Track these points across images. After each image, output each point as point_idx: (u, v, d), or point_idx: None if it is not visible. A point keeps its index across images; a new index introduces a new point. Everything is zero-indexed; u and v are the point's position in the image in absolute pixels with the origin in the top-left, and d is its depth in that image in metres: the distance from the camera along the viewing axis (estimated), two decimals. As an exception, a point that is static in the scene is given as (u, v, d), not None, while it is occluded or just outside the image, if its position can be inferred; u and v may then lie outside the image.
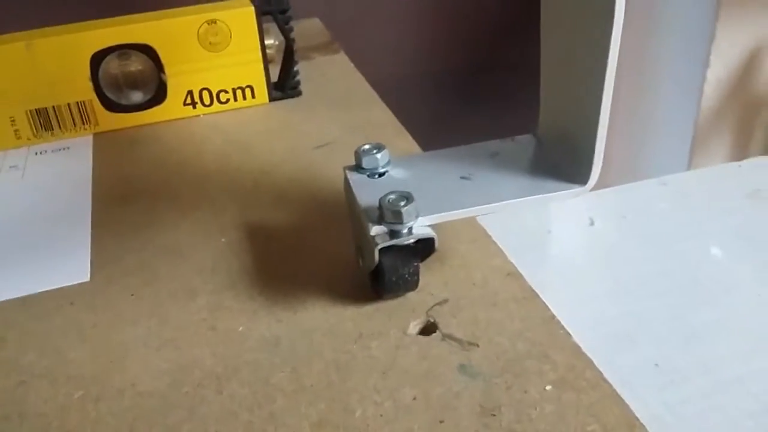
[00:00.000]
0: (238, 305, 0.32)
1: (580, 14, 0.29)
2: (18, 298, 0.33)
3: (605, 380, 0.27)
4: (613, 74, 0.28)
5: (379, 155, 0.33)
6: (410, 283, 0.31)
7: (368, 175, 0.33)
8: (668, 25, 0.75)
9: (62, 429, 0.26)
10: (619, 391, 0.27)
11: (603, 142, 0.30)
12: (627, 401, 0.26)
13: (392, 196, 0.29)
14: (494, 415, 0.25)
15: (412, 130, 0.46)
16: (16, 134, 0.47)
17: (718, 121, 0.80)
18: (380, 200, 0.29)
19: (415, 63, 0.80)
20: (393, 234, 0.29)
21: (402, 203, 0.29)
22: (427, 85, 0.81)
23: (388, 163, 0.33)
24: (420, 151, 0.44)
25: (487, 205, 0.31)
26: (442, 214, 0.30)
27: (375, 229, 0.29)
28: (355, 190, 0.31)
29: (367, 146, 0.33)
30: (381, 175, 0.33)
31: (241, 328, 0.30)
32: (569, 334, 0.29)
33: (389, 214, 0.29)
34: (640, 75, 0.78)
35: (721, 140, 0.81)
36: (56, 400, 0.27)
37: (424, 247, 0.30)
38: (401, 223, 0.28)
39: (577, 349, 0.28)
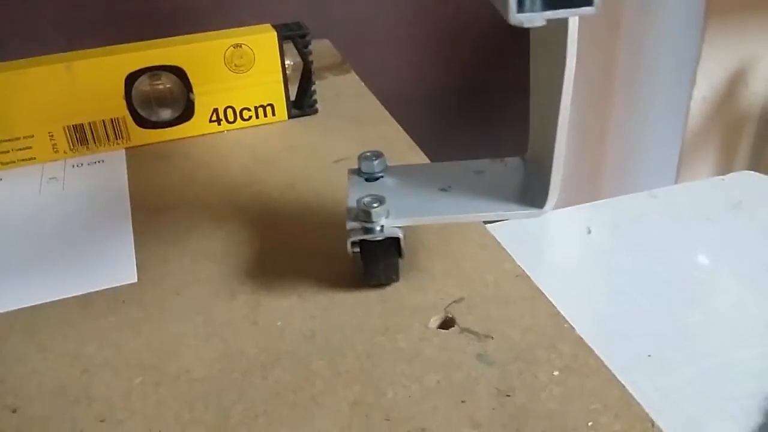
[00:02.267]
0: (275, 303, 0.35)
1: (545, 54, 0.32)
2: (74, 298, 0.36)
3: (605, 367, 0.30)
4: (567, 117, 0.30)
5: (375, 162, 0.37)
6: (388, 274, 0.35)
7: (365, 179, 0.37)
8: (657, 46, 0.80)
9: (127, 410, 0.29)
10: (619, 377, 0.30)
11: (559, 172, 0.32)
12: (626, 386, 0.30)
13: (368, 198, 0.33)
14: (509, 396, 0.29)
15: (415, 139, 0.51)
16: (54, 148, 0.50)
17: (704, 137, 0.84)
18: (357, 200, 0.33)
19: (418, 82, 0.84)
20: (366, 230, 0.33)
21: (375, 205, 0.33)
22: (430, 103, 0.85)
23: (384, 170, 0.37)
24: (428, 162, 0.48)
25: (450, 217, 0.34)
26: (413, 218, 0.34)
27: (350, 224, 0.33)
28: (349, 189, 0.36)
29: (368, 153, 0.38)
30: (376, 179, 0.37)
31: (279, 323, 0.34)
32: (573, 327, 0.32)
33: (362, 213, 0.33)
34: (630, 93, 0.82)
35: (707, 155, 0.86)
36: (119, 386, 0.31)
37: (396, 245, 0.34)
38: (371, 222, 0.33)
39: (580, 341, 0.32)
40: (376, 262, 0.34)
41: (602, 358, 0.31)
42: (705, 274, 0.39)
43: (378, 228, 0.33)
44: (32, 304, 0.36)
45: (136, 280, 0.37)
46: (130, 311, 0.35)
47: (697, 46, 0.77)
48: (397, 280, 0.36)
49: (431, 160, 0.50)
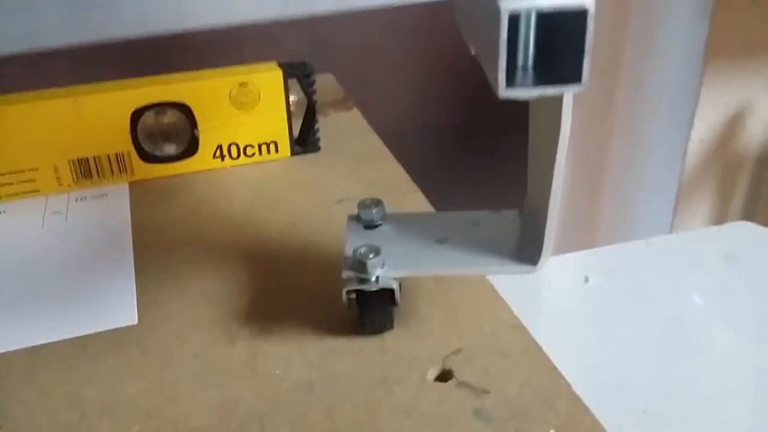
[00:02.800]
0: (274, 350, 0.35)
1: (542, 116, 0.32)
2: (75, 338, 0.36)
3: (601, 427, 0.31)
4: (560, 181, 0.31)
5: (374, 210, 0.38)
6: (382, 322, 0.35)
7: (364, 226, 0.38)
8: (656, 88, 0.81)
9: (125, 459, 0.30)
10: (612, 435, 0.31)
11: (552, 232, 0.32)
12: (619, 445, 0.30)
13: (364, 249, 0.34)
14: (505, 454, 0.29)
15: (415, 177, 0.51)
16: (58, 181, 0.51)
17: (701, 179, 0.85)
18: (354, 250, 0.34)
19: (419, 117, 0.85)
20: (361, 280, 0.33)
21: (370, 256, 0.33)
22: (431, 138, 0.86)
23: (383, 218, 0.38)
24: (428, 205, 0.49)
25: (444, 271, 0.35)
26: (409, 270, 0.34)
27: (346, 274, 0.34)
28: (347, 237, 0.36)
29: (368, 201, 0.38)
30: (375, 227, 0.37)
31: (278, 371, 0.34)
32: (569, 384, 0.33)
33: (357, 263, 0.33)
34: (629, 135, 0.83)
35: (704, 196, 0.87)
36: (117, 433, 0.31)
37: (391, 295, 0.34)
38: (366, 273, 0.33)
39: (576, 398, 0.32)
40: (371, 311, 0.35)
41: (598, 414, 0.32)
42: (699, 327, 0.40)
43: (373, 279, 0.33)
44: (33, 345, 0.36)
45: (136, 321, 0.38)
46: (129, 355, 0.35)
47: (696, 90, 0.78)
48: (391, 327, 0.36)
49: (431, 196, 0.50)
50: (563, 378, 0.33)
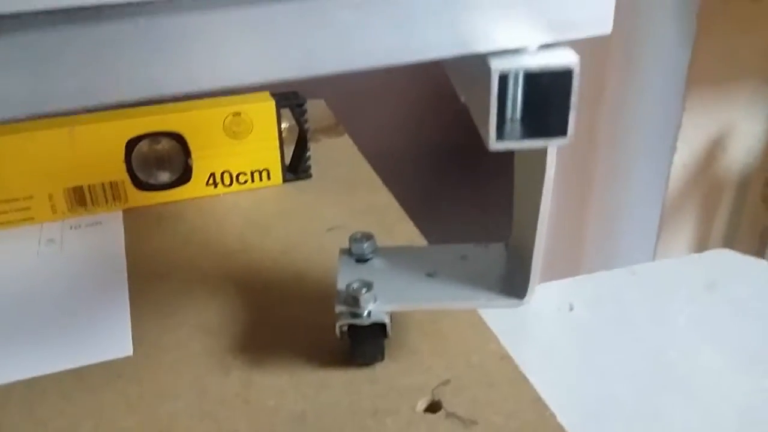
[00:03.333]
0: (267, 381, 0.36)
1: (528, 159, 0.33)
2: (71, 370, 0.37)
3: (585, 457, 0.32)
4: (545, 222, 0.32)
5: (365, 245, 0.39)
6: (374, 355, 0.36)
7: (356, 260, 0.39)
8: (639, 113, 0.83)
9: (122, 492, 0.30)
10: (596, 466, 0.32)
11: (538, 268, 0.34)
12: (603, 475, 0.31)
13: (356, 284, 0.35)
14: (493, 486, 0.30)
15: (403, 201, 0.52)
16: (52, 209, 0.51)
17: (684, 202, 0.87)
18: (346, 285, 0.35)
19: (409, 140, 0.86)
20: (353, 315, 0.34)
21: (363, 291, 0.34)
22: (420, 162, 0.87)
23: (374, 251, 0.39)
24: (417, 234, 0.50)
25: (434, 305, 0.36)
26: (400, 304, 0.36)
27: (339, 308, 0.35)
28: (339, 271, 0.37)
29: (358, 234, 0.39)
30: (365, 261, 0.39)
31: (271, 403, 0.35)
32: (554, 414, 0.34)
33: (350, 299, 0.34)
34: (613, 158, 0.85)
35: (687, 219, 0.88)
36: (114, 466, 0.32)
37: (383, 329, 0.35)
38: (359, 307, 0.34)
39: (561, 429, 0.33)
40: (363, 344, 0.36)
41: (582, 445, 0.33)
42: (683, 355, 0.41)
43: (365, 313, 0.34)
44: (29, 377, 0.37)
45: (131, 353, 0.38)
46: (125, 387, 0.36)
47: (678, 114, 0.80)
48: (382, 359, 0.37)
49: (418, 218, 0.51)
50: (548, 409, 0.34)
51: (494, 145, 0.26)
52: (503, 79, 0.25)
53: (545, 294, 0.46)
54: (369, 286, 0.35)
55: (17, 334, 0.40)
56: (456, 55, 0.26)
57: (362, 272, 0.37)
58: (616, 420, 0.36)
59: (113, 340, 0.39)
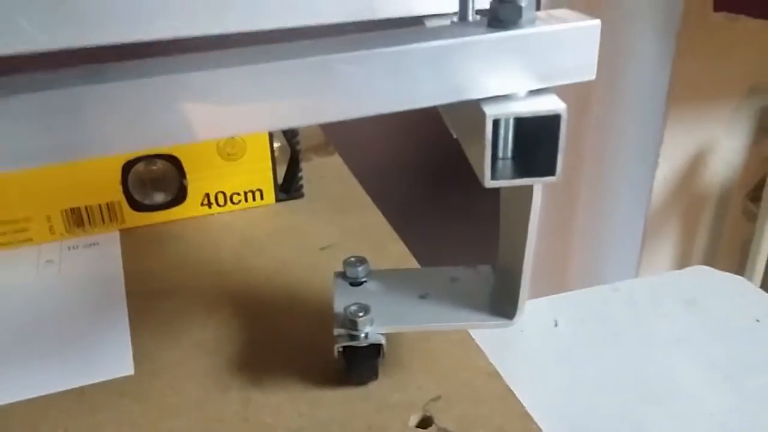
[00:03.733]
0: (265, 399, 0.38)
1: (515, 190, 0.35)
2: (73, 390, 0.38)
3: (569, 469, 0.33)
4: (532, 248, 0.34)
5: (359, 268, 0.40)
6: (369, 374, 0.38)
7: (350, 283, 0.40)
8: (622, 131, 0.85)
9: (126, 508, 0.32)
10: (580, 477, 0.33)
11: (526, 291, 0.36)
12: (586, 487, 0.33)
13: (354, 307, 0.36)
14: (482, 498, 0.32)
15: (392, 219, 0.54)
16: (50, 230, 0.52)
17: (666, 217, 0.89)
18: (344, 308, 0.36)
19: (397, 156, 0.88)
20: (351, 337, 0.36)
21: (360, 314, 0.36)
22: (410, 176, 0.89)
23: (367, 275, 0.40)
24: (406, 252, 0.51)
25: (426, 326, 0.38)
26: (394, 326, 0.37)
27: (337, 331, 0.36)
28: (335, 295, 0.39)
29: (352, 259, 0.41)
30: (360, 284, 0.40)
31: (269, 420, 0.36)
32: (540, 429, 0.35)
33: (348, 321, 0.36)
34: (597, 174, 0.87)
35: (669, 234, 0.90)
36: (118, 483, 0.33)
37: (378, 350, 0.37)
38: (357, 330, 0.36)
39: (546, 443, 0.35)
40: (359, 365, 0.37)
41: (567, 458, 0.34)
42: (663, 369, 0.43)
43: (362, 335, 0.36)
44: (31, 397, 0.38)
45: (133, 372, 0.40)
46: (127, 406, 0.37)
47: (660, 132, 0.82)
48: (376, 378, 0.38)
49: (407, 234, 0.53)
50: (534, 423, 0.36)
51: (488, 183, 0.28)
52: (496, 123, 0.27)
53: (531, 311, 0.48)
54: (366, 309, 0.36)
55: (18, 354, 0.41)
56: (452, 102, 0.28)
57: (358, 295, 0.38)
58: (598, 431, 0.38)
59: (114, 359, 0.40)
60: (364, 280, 0.40)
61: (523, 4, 0.28)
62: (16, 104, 0.24)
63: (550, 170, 0.28)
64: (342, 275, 0.40)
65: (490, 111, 0.27)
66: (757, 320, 0.47)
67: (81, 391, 0.38)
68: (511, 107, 0.27)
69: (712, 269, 0.52)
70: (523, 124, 0.28)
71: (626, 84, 0.84)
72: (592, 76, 0.29)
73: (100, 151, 0.25)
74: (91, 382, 0.39)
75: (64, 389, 0.38)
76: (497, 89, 0.28)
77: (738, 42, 0.80)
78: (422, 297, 0.39)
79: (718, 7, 0.76)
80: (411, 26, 0.38)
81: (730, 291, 0.50)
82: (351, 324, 0.36)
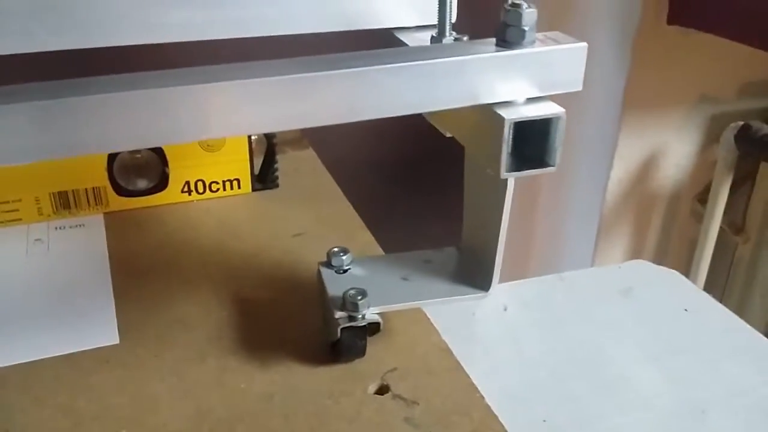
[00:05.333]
0: (240, 367, 0.42)
1: (486, 177, 0.41)
2: (63, 356, 0.42)
3: (506, 431, 0.38)
4: (506, 223, 0.40)
5: (344, 257, 0.45)
6: (360, 352, 0.42)
7: (335, 271, 0.44)
8: (580, 133, 0.91)
9: (114, 458, 0.36)
10: (516, 439, 0.38)
11: (499, 264, 0.42)
12: (520, 446, 0.38)
13: (352, 292, 0.41)
14: (429, 453, 0.36)
15: (362, 209, 0.59)
16: (38, 211, 0.56)
17: (620, 214, 0.95)
18: (344, 293, 0.41)
19: (368, 151, 0.92)
20: (351, 318, 0.40)
21: (359, 297, 0.40)
22: (379, 172, 0.93)
23: (351, 263, 0.45)
24: (373, 241, 0.56)
25: (417, 302, 0.43)
26: (388, 306, 0.42)
27: (338, 314, 0.40)
28: (326, 282, 0.43)
29: (336, 249, 0.45)
30: (345, 271, 0.44)
31: (243, 386, 0.40)
32: (483, 396, 0.40)
33: (350, 304, 0.40)
34: (557, 176, 0.92)
35: (623, 230, 0.96)
36: (106, 437, 0.37)
37: (372, 327, 0.41)
38: (357, 311, 0.40)
39: (488, 408, 0.39)
40: (357, 343, 0.41)
41: (505, 422, 0.39)
42: (597, 350, 0.48)
43: (361, 316, 0.40)
44: (25, 361, 0.42)
45: (118, 341, 0.44)
46: (113, 370, 0.41)
47: (615, 135, 0.88)
48: (363, 356, 0.42)
49: (375, 230, 0.57)
50: (478, 392, 0.40)
51: (504, 175, 0.35)
52: (511, 125, 0.34)
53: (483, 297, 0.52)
54: (364, 293, 0.40)
55: (12, 323, 0.45)
56: (465, 105, 0.35)
57: (348, 281, 0.42)
58: (535, 403, 0.43)
59: (101, 329, 0.44)
60: (348, 267, 0.44)
61: (526, 29, 0.34)
62: (20, 110, 0.29)
63: (551, 162, 0.35)
64: (327, 264, 0.44)
65: (509, 116, 0.33)
66: (686, 310, 0.52)
67: (71, 357, 0.42)
68: (522, 112, 0.34)
69: (649, 263, 0.58)
70: (524, 124, 0.34)
71: (585, 90, 0.89)
72: (579, 88, 0.36)
73: (92, 151, 0.29)
74: (80, 349, 0.43)
75: (55, 355, 0.42)
76: (504, 96, 0.35)
77: (690, 53, 0.86)
78: (404, 279, 0.43)
79: (671, 21, 0.82)
80: (382, 37, 0.43)
81: (664, 283, 0.56)
82: (352, 307, 0.40)
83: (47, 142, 0.29)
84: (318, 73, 0.32)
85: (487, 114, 0.35)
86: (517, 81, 0.35)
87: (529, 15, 0.34)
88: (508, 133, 0.34)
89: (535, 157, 0.36)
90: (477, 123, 0.37)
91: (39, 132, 0.29)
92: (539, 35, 0.36)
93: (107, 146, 0.30)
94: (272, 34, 0.40)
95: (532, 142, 0.36)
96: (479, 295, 0.43)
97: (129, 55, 0.41)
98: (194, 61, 0.33)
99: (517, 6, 0.34)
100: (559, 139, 0.35)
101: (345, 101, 0.33)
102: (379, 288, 0.42)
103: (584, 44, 0.36)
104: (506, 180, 0.38)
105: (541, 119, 0.35)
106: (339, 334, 0.40)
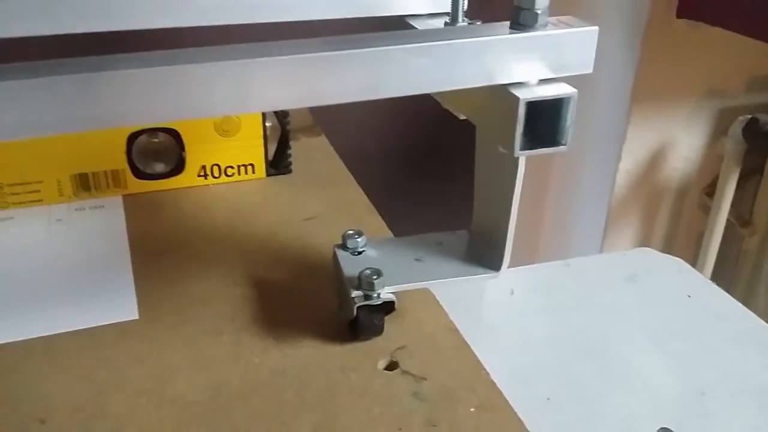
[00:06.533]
0: (253, 342, 0.43)
1: (494, 157, 0.43)
2: (85, 330, 0.44)
3: (510, 407, 0.39)
4: (517, 203, 0.42)
5: (359, 239, 0.46)
6: (377, 330, 0.43)
7: (351, 253, 0.46)
8: (590, 126, 0.92)
9: (135, 426, 0.37)
10: (521, 415, 0.39)
11: (510, 245, 0.43)
12: (525, 422, 0.39)
13: (368, 272, 0.42)
14: (435, 426, 0.38)
15: (373, 195, 0.60)
16: (59, 192, 0.58)
17: (628, 205, 0.96)
18: (360, 273, 0.42)
19: (379, 140, 0.94)
20: (367, 297, 0.42)
21: (375, 277, 0.42)
22: (390, 160, 0.95)
23: (365, 245, 0.46)
24: (383, 225, 0.57)
25: (430, 281, 0.44)
26: (402, 285, 0.43)
27: (354, 293, 0.42)
28: (342, 264, 0.44)
29: (351, 231, 0.46)
30: (360, 253, 0.46)
31: (257, 360, 0.42)
32: (488, 373, 0.41)
33: (366, 284, 0.42)
34: (567, 166, 0.93)
35: (630, 220, 0.97)
36: (127, 405, 0.38)
37: (387, 307, 0.43)
38: (373, 290, 0.41)
39: (493, 385, 0.41)
40: (373, 321, 0.43)
41: (509, 399, 0.40)
42: (600, 333, 0.49)
43: (376, 295, 0.41)
44: (48, 334, 0.43)
45: (137, 316, 0.45)
46: (133, 344, 0.43)
47: (624, 128, 0.89)
48: (381, 334, 0.44)
49: (386, 216, 0.59)
50: (484, 369, 0.42)
51: (518, 153, 0.36)
52: (526, 105, 0.35)
53: (492, 280, 0.54)
54: (379, 273, 0.42)
55: (37, 298, 0.47)
56: (482, 85, 0.36)
57: (363, 262, 0.44)
58: (539, 382, 0.44)
59: (121, 305, 0.46)
60: (363, 249, 0.46)
61: (539, 12, 0.36)
62: (45, 84, 0.30)
63: (562, 141, 0.37)
64: (342, 246, 0.46)
65: (523, 96, 0.35)
66: (689, 296, 0.53)
67: (92, 330, 0.44)
68: (538, 92, 0.36)
69: (654, 251, 0.59)
70: (533, 107, 0.35)
71: (595, 83, 0.90)
72: (590, 70, 0.37)
73: (112, 125, 0.31)
74: (102, 323, 0.44)
75: (77, 328, 0.44)
76: (519, 77, 0.36)
77: (698, 47, 0.86)
78: (417, 260, 0.45)
79: (680, 14, 0.83)
80: (393, 24, 0.44)
81: (668, 270, 0.57)
82: (368, 286, 0.41)
83: (84, 114, 0.31)
84: (344, 52, 0.33)
85: (501, 94, 0.36)
86: (531, 62, 0.36)
87: None
88: (522, 113, 0.35)
89: (547, 137, 0.37)
90: (491, 103, 0.38)
91: (78, 103, 0.31)
92: (552, 19, 0.37)
93: (140, 118, 0.31)
94: (285, 20, 0.42)
95: (543, 123, 0.37)
96: (491, 274, 0.45)
97: (140, 40, 0.42)
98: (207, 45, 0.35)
99: None
100: (570, 118, 0.36)
101: (368, 79, 0.34)
102: (393, 268, 0.44)
103: (595, 28, 0.37)
104: (518, 160, 0.39)
105: (553, 99, 0.36)
106: (355, 313, 0.42)
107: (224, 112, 0.34)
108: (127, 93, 0.31)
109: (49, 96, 0.30)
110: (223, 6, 0.42)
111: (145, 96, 0.31)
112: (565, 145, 0.37)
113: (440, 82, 0.36)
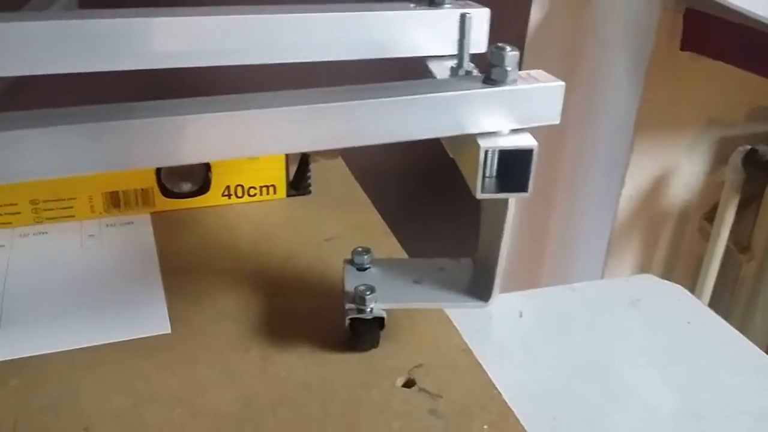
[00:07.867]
0: (280, 358, 0.46)
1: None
2: (121, 342, 0.47)
3: (521, 424, 0.42)
4: (507, 240, 0.44)
5: (365, 256, 0.49)
6: (368, 342, 0.47)
7: (357, 269, 0.49)
8: (594, 152, 0.95)
9: (171, 434, 0.40)
10: None
11: (500, 278, 0.45)
12: (533, 438, 0.42)
13: (362, 287, 0.45)
14: (451, 441, 0.40)
15: (388, 217, 0.63)
16: (91, 209, 0.61)
17: (630, 230, 0.99)
18: (354, 288, 0.45)
19: (394, 163, 0.97)
20: (359, 311, 0.45)
21: (368, 293, 0.45)
22: (404, 182, 0.98)
23: (371, 262, 0.49)
24: (399, 248, 0.60)
25: (421, 304, 0.47)
26: (393, 304, 0.46)
27: (348, 306, 0.45)
28: (345, 278, 0.48)
29: (359, 248, 0.50)
30: (365, 269, 0.49)
31: (284, 374, 0.45)
32: (500, 393, 0.44)
33: (357, 298, 0.45)
34: (571, 192, 0.96)
35: (632, 246, 1.00)
36: (163, 415, 0.41)
37: (380, 322, 0.46)
38: (364, 305, 0.45)
39: (504, 403, 0.43)
40: (364, 334, 0.46)
41: (519, 417, 0.43)
42: (604, 356, 0.52)
43: (368, 309, 0.44)
44: (88, 346, 0.46)
45: (170, 331, 0.48)
46: (167, 357, 0.46)
47: (627, 155, 0.92)
48: (377, 347, 0.47)
49: (398, 229, 0.62)
50: (496, 388, 0.45)
51: (479, 195, 0.39)
52: (486, 152, 0.38)
53: (502, 303, 0.57)
54: (372, 289, 0.45)
55: (75, 311, 0.49)
56: (454, 134, 0.39)
57: (364, 278, 0.47)
58: (547, 402, 0.47)
59: (154, 319, 0.49)
60: (368, 266, 0.49)
61: (509, 69, 0.38)
62: (77, 131, 0.35)
63: (524, 189, 0.39)
64: (350, 261, 0.49)
65: (484, 144, 0.38)
66: (688, 322, 0.56)
67: (128, 343, 0.47)
68: (498, 142, 0.38)
69: (656, 278, 0.62)
70: (505, 154, 0.38)
71: (600, 111, 0.93)
72: (557, 121, 0.39)
73: (138, 166, 0.35)
74: (136, 336, 0.47)
75: (114, 341, 0.47)
76: (489, 127, 0.39)
77: (700, 79, 0.90)
78: (416, 282, 0.48)
79: (684, 47, 0.86)
80: (414, 65, 0.48)
81: (669, 296, 0.60)
82: (360, 300, 0.44)
83: (103, 158, 0.36)
84: (329, 104, 0.37)
85: (471, 141, 0.39)
86: (499, 115, 0.39)
87: (512, 57, 0.38)
88: (482, 159, 0.38)
89: (512, 184, 0.40)
90: (464, 148, 0.41)
91: (96, 149, 0.36)
92: (522, 73, 0.40)
93: (157, 162, 0.36)
94: (311, 60, 0.45)
95: (512, 170, 0.39)
96: (479, 304, 0.47)
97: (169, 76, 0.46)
98: (232, 83, 0.38)
99: (501, 48, 0.38)
100: (532, 168, 0.38)
101: (351, 127, 0.38)
102: (391, 287, 0.47)
103: (561, 83, 0.40)
104: (507, 200, 0.42)
105: (513, 150, 0.39)
106: (347, 324, 0.45)
107: (237, 155, 0.38)
108: (146, 141, 0.36)
109: (90, 141, 0.35)
110: (247, 48, 0.46)
111: (168, 142, 0.36)
112: (526, 192, 0.39)
113: (417, 131, 0.39)
